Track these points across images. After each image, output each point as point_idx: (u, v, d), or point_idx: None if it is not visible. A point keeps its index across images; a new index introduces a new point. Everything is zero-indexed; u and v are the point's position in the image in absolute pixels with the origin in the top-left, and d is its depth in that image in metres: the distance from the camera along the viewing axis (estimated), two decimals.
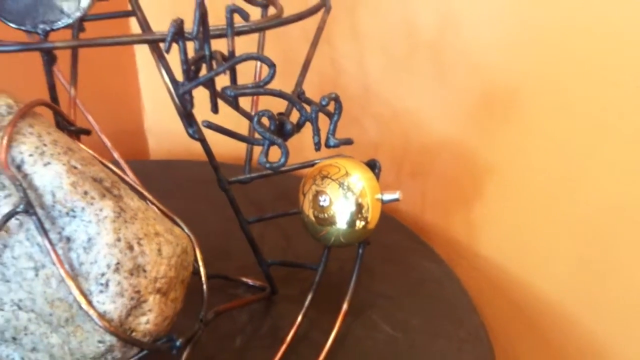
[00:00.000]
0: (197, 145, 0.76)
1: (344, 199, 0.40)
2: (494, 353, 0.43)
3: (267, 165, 0.31)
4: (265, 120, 0.32)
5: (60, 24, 0.36)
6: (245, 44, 0.38)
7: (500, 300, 0.57)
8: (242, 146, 0.50)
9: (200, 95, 0.37)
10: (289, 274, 0.47)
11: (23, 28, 0.36)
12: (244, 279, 0.47)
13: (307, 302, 0.42)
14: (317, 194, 0.41)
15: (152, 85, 0.73)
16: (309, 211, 0.41)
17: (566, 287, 0.53)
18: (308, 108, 0.33)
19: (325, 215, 0.40)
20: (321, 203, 0.40)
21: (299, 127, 0.32)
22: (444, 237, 0.59)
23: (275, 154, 0.33)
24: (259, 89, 0.31)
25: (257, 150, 0.40)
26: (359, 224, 0.40)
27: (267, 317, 0.45)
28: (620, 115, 0.46)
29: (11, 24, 0.36)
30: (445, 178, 0.58)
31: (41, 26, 0.36)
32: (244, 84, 0.32)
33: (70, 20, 0.36)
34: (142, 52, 0.71)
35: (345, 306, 0.42)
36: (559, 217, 0.52)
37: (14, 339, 0.33)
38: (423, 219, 0.60)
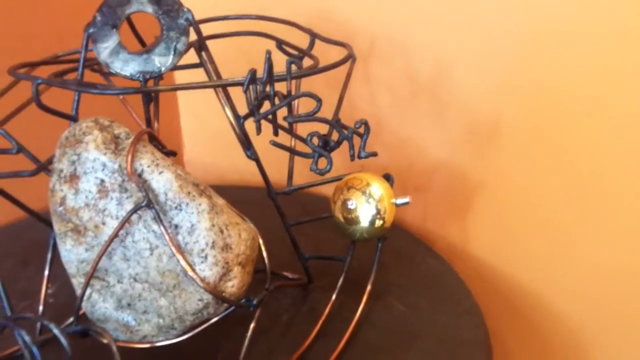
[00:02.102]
0: (229, 176, 0.88)
1: (367, 204, 0.51)
2: (486, 325, 0.54)
3: (317, 171, 0.43)
4: (314, 140, 0.44)
5: (155, 73, 0.48)
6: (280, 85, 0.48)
7: (489, 289, 0.66)
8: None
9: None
10: (320, 269, 0.57)
11: (128, 77, 0.47)
12: (285, 273, 0.58)
13: (339, 284, 0.53)
14: (345, 200, 0.52)
15: (191, 125, 0.83)
16: (339, 214, 0.52)
17: (542, 277, 0.63)
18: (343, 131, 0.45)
19: (352, 216, 0.51)
20: (349, 207, 0.51)
21: (338, 144, 0.44)
22: (443, 242, 0.68)
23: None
24: (310, 117, 0.43)
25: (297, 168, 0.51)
26: (378, 222, 0.50)
27: (305, 301, 0.56)
28: (580, 138, 0.57)
29: (119, 72, 0.48)
30: (442, 193, 0.67)
31: (142, 75, 0.47)
32: (298, 113, 0.44)
33: (163, 71, 0.48)
34: (184, 98, 0.82)
35: (369, 287, 0.53)
36: (534, 221, 0.61)
37: (129, 305, 0.44)
38: (425, 228, 0.69)
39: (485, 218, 0.65)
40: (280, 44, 0.55)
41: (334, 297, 0.53)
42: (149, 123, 0.49)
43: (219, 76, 0.49)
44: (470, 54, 0.60)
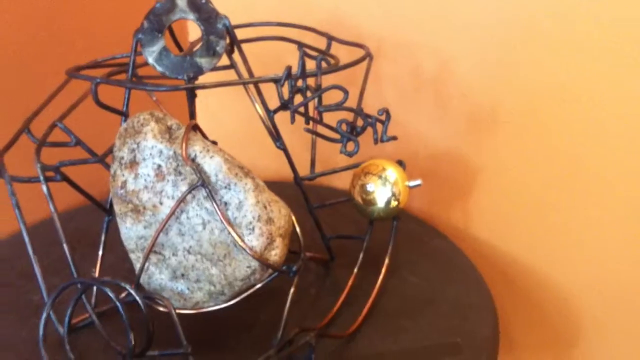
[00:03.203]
0: None
1: (383, 187, 0.57)
2: (491, 292, 0.61)
3: (347, 153, 0.50)
4: (343, 126, 0.50)
5: (199, 73, 0.54)
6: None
7: (490, 267, 0.71)
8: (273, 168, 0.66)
9: (248, 126, 0.52)
10: (340, 249, 0.63)
11: (175, 77, 0.53)
12: (308, 253, 0.64)
13: (360, 259, 0.59)
14: (364, 184, 0.58)
15: (207, 125, 0.90)
16: (358, 197, 0.58)
17: (538, 253, 0.69)
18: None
19: (370, 198, 0.57)
20: (367, 189, 0.57)
21: (363, 129, 0.51)
22: (447, 225, 0.74)
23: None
24: (339, 106, 0.49)
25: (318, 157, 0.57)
26: (394, 203, 0.57)
27: (329, 276, 0.62)
28: (571, 125, 0.63)
29: (167, 73, 0.54)
30: (446, 180, 0.73)
31: (187, 75, 0.53)
32: (328, 104, 0.50)
33: (205, 72, 0.54)
34: (200, 98, 0.88)
35: (387, 260, 0.59)
36: (530, 203, 0.67)
37: (183, 275, 0.50)
38: (430, 212, 0.75)
39: (485, 201, 0.71)
40: (302, 46, 0.62)
41: (355, 270, 0.59)
42: (192, 116, 0.55)
43: (251, 74, 0.55)
44: (469, 49, 0.66)
